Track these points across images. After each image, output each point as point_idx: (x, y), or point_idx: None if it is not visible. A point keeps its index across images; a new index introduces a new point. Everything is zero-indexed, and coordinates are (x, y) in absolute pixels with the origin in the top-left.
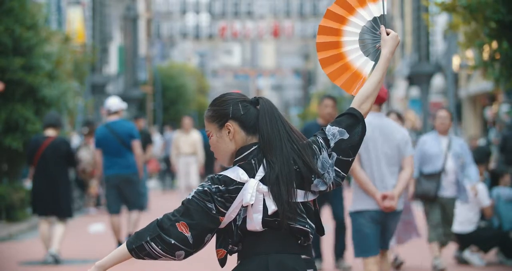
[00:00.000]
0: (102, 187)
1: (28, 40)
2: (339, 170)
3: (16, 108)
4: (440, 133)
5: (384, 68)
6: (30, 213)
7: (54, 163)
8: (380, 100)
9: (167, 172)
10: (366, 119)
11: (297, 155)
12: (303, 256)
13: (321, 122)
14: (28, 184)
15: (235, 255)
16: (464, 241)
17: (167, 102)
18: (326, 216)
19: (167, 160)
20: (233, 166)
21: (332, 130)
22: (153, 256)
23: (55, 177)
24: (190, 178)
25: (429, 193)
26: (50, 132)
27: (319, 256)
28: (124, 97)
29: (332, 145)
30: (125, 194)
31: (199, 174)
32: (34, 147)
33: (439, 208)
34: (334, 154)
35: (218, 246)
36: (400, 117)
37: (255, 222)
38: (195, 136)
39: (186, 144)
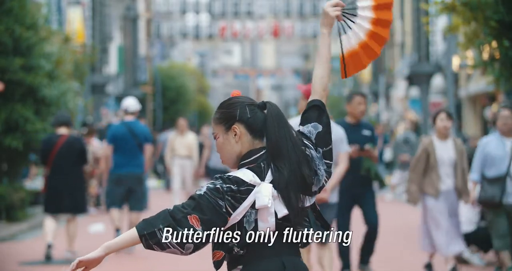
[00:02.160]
0: (102, 186)
1: (28, 40)
2: (327, 160)
3: (16, 108)
4: (503, 134)
5: (323, 44)
6: (30, 213)
7: (69, 161)
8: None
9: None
10: (297, 121)
11: (300, 163)
12: (301, 259)
13: (351, 121)
14: (28, 184)
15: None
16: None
17: (167, 102)
18: (357, 220)
19: (163, 161)
20: (240, 168)
21: (307, 129)
22: (163, 246)
23: (71, 174)
24: (185, 181)
25: (494, 199)
26: (63, 131)
27: (347, 267)
28: (124, 97)
29: (314, 141)
30: (133, 193)
31: (193, 178)
32: (49, 146)
33: (505, 216)
34: (319, 148)
35: (216, 248)
36: (450, 117)
37: (270, 224)
38: (191, 138)
39: (182, 146)
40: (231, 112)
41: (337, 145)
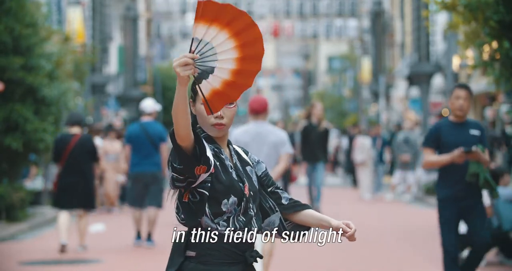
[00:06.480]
0: (102, 186)
1: (28, 39)
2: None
3: (16, 108)
4: None
5: (178, 99)
6: (30, 213)
7: (82, 159)
8: (253, 111)
9: None
10: (246, 128)
11: None
12: None
13: (454, 119)
14: (28, 184)
15: None
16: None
17: (167, 102)
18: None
19: None
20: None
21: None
22: None
23: (84, 172)
24: None
25: None
26: (76, 130)
27: None
28: (124, 97)
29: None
30: (149, 190)
31: None
32: (63, 145)
33: None
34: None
35: None
36: None
37: None
38: None
39: None
40: None
41: (277, 147)
